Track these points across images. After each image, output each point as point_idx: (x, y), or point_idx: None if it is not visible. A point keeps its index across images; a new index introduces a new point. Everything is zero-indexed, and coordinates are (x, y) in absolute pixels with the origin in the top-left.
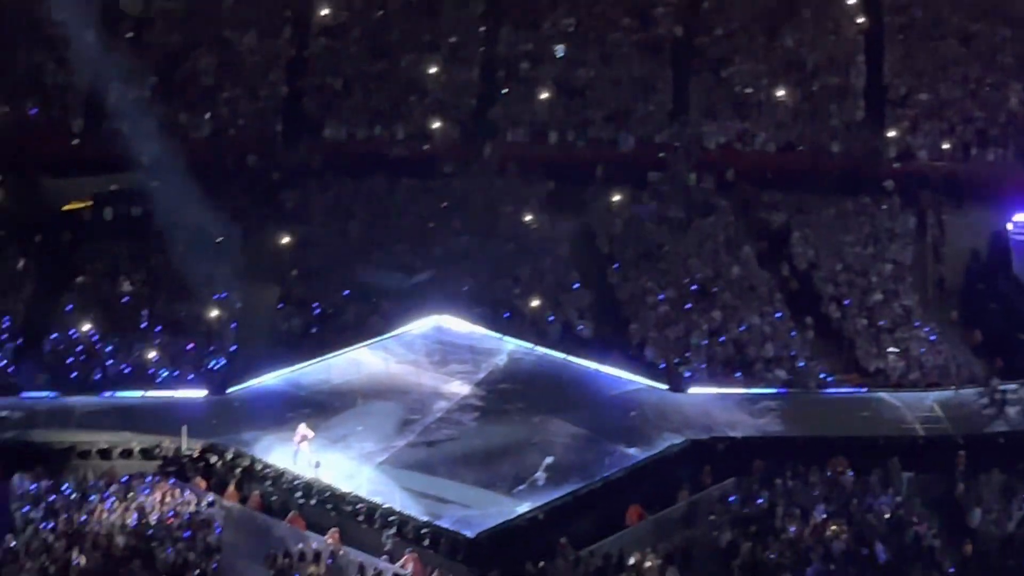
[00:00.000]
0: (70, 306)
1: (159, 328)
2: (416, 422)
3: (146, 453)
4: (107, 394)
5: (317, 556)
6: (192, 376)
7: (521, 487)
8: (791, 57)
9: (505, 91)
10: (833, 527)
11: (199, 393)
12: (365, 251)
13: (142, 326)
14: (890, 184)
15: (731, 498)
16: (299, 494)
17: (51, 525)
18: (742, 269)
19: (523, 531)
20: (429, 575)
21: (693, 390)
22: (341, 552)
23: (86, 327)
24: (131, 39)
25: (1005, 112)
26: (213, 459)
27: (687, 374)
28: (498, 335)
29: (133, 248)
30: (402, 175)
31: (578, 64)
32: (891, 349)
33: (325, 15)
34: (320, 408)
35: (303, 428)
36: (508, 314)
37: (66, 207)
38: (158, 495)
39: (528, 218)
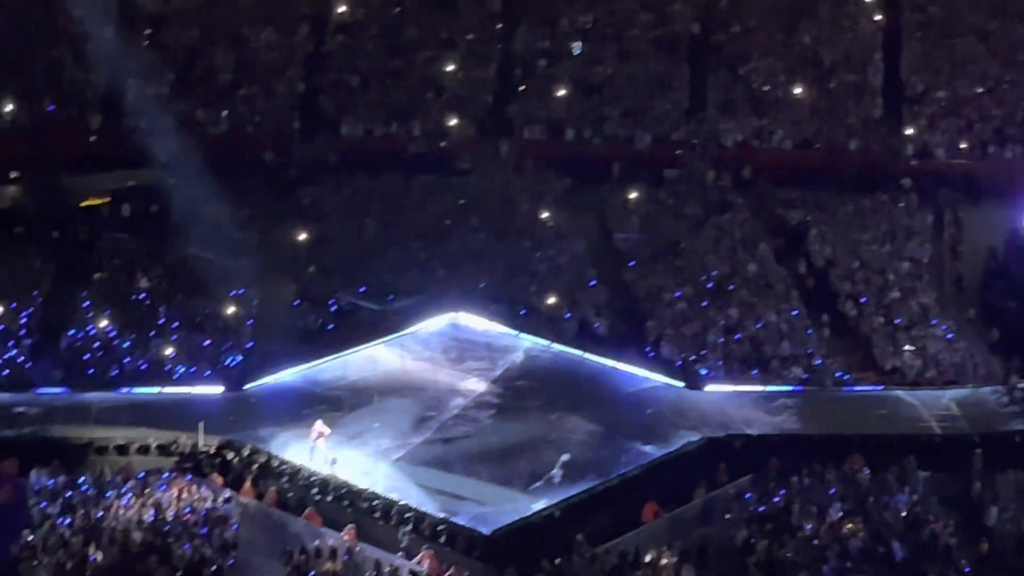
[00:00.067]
0: (87, 302)
1: (176, 324)
2: (432, 419)
3: (163, 449)
4: (124, 390)
5: (333, 553)
6: (209, 372)
7: (537, 484)
8: (808, 54)
9: (522, 88)
10: (849, 525)
11: (216, 389)
12: (382, 248)
13: (159, 322)
14: (907, 182)
15: (747, 496)
16: (315, 491)
17: (68, 521)
18: (759, 266)
19: (539, 528)
20: (445, 572)
21: (709, 388)
22: (357, 549)
23: (103, 323)
24: (149, 36)
25: (1023, 110)
26: (230, 455)
27: (703, 371)
28: (514, 332)
29: (150, 244)
30: (419, 172)
31: (595, 61)
32: (907, 347)
33: (342, 12)
34: (337, 405)
35: (319, 425)
36: (524, 311)
37: (84, 203)
38: (175, 491)
39: (545, 215)
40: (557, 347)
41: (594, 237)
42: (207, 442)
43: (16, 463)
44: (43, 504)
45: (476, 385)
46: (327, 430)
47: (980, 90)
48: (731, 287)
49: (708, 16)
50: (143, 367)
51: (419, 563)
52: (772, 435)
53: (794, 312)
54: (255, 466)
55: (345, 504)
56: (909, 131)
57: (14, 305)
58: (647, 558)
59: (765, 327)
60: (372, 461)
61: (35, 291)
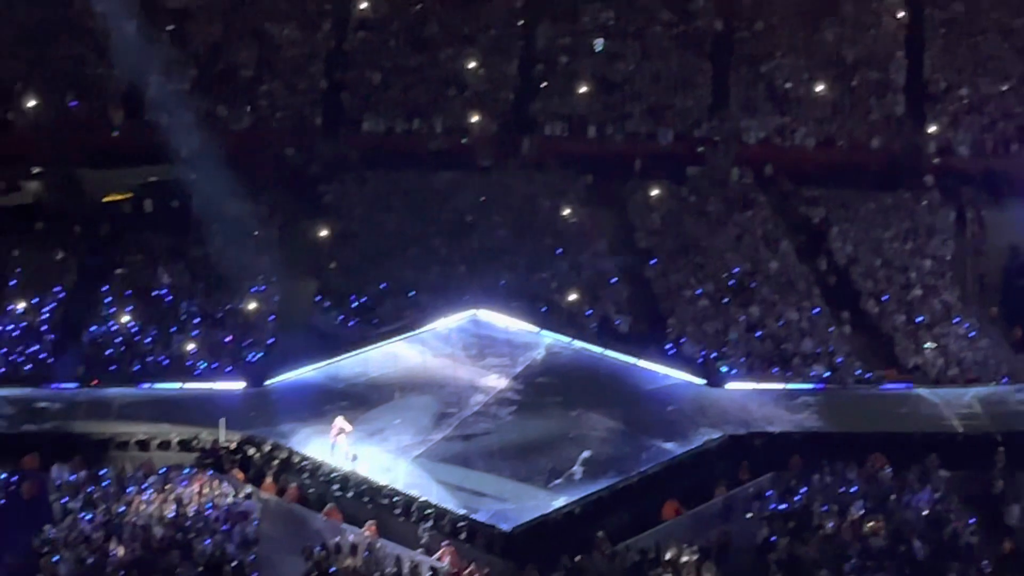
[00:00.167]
0: (109, 298)
1: (197, 320)
2: (453, 416)
3: (184, 445)
4: (145, 386)
5: (354, 549)
6: (230, 368)
7: (558, 481)
8: (831, 52)
9: (544, 85)
10: (871, 524)
11: (237, 385)
12: (403, 244)
13: (181, 318)
14: (930, 179)
15: (768, 494)
16: (336, 487)
17: (89, 516)
18: (780, 264)
19: (559, 525)
20: (465, 568)
21: (731, 385)
22: (378, 545)
23: (125, 319)
24: (171, 32)
25: None
26: (251, 451)
27: (725, 369)
28: (535, 329)
29: (172, 240)
30: (440, 169)
31: (617, 58)
32: (927, 344)
33: (364, 8)
34: (357, 401)
35: (340, 421)
36: (545, 308)
37: (106, 199)
38: (196, 487)
39: (566, 212)
40: (578, 344)
41: (616, 234)
42: (228, 438)
43: (38, 458)
44: (64, 499)
45: (497, 382)
46: (348, 427)
47: (1003, 88)
48: (753, 284)
49: (731, 13)
50: (164, 363)
51: (439, 559)
52: (793, 433)
53: (816, 310)
54: (276, 462)
55: (366, 500)
56: (932, 129)
57: (36, 300)
58: (667, 556)
59: (787, 325)
60: (393, 457)
61: (57, 287)
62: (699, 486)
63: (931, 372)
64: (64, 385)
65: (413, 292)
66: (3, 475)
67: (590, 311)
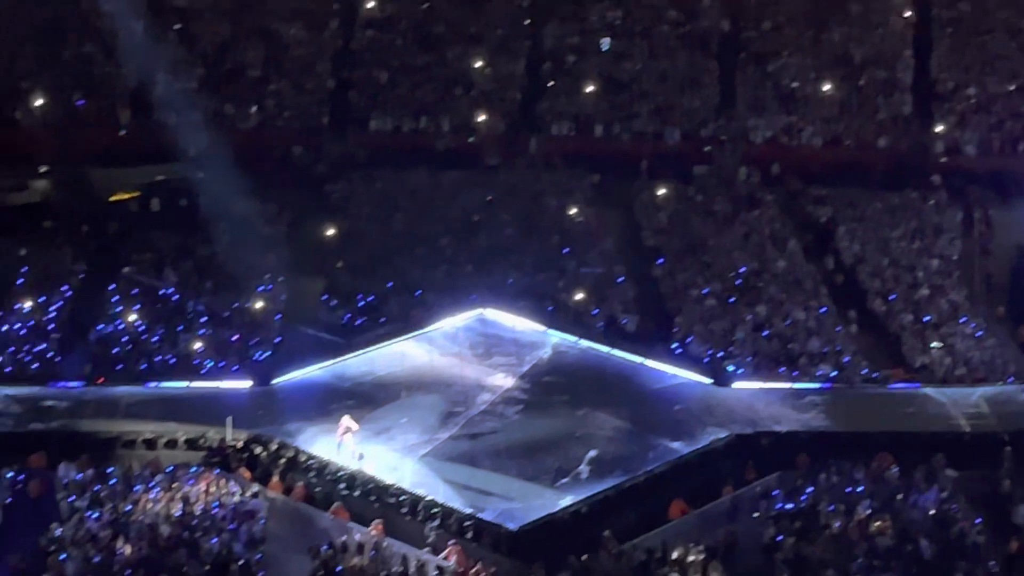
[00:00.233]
0: (116, 297)
1: (204, 319)
2: (460, 415)
3: (191, 443)
4: (152, 384)
5: (361, 548)
6: (237, 367)
7: (564, 480)
8: (838, 51)
9: (551, 84)
10: (877, 523)
11: (244, 384)
12: (410, 243)
13: (187, 317)
14: (937, 179)
15: (775, 493)
16: (343, 485)
17: (96, 514)
18: (788, 263)
19: (566, 524)
20: (472, 567)
21: (737, 384)
22: (384, 544)
23: (132, 317)
24: (178, 31)
25: None
26: (258, 450)
27: (732, 368)
28: (542, 328)
29: (179, 239)
30: (447, 168)
31: (624, 57)
32: (934, 344)
33: (372, 7)
34: (364, 400)
35: (347, 420)
36: (552, 307)
37: (113, 198)
38: (203, 485)
39: (573, 211)
40: (585, 343)
41: (622, 233)
42: (235, 436)
43: (45, 457)
44: (71, 498)
45: (504, 381)
46: (355, 426)
47: (1011, 87)
48: (760, 284)
49: (738, 12)
50: (171, 361)
51: (446, 558)
52: (800, 432)
53: (823, 309)
54: (283, 461)
55: (372, 499)
56: (939, 128)
57: (43, 299)
58: (674, 555)
59: (793, 324)
60: (399, 456)
61: (64, 285)
62: (706, 485)
63: (938, 372)
64: (71, 384)
65: (420, 291)
66: (10, 474)
67: (597, 310)
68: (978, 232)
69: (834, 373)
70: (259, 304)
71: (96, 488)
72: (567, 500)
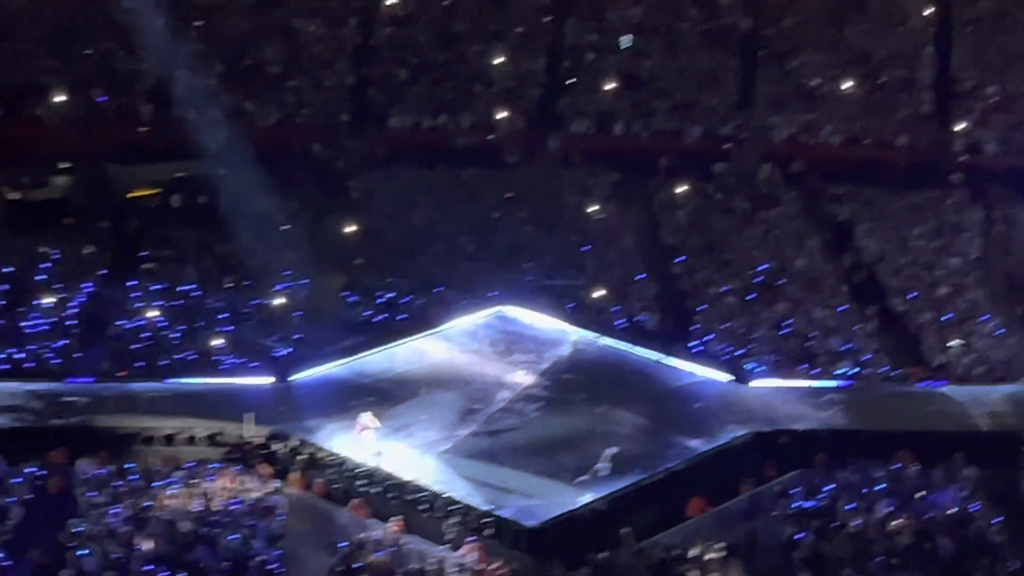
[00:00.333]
0: (136, 293)
1: (224, 315)
2: (479, 411)
3: (210, 440)
4: (172, 381)
5: (379, 544)
6: (256, 363)
7: (584, 478)
8: (858, 49)
9: (571, 81)
10: (897, 522)
11: (263, 380)
12: (429, 241)
13: (207, 313)
14: (957, 178)
15: (794, 491)
16: (362, 482)
17: (116, 511)
18: (807, 261)
19: (585, 522)
20: (491, 565)
21: (756, 382)
22: (403, 541)
23: (152, 314)
24: (199, 27)
25: None
26: (277, 446)
27: (751, 366)
28: (562, 325)
29: (199, 236)
30: (467, 165)
31: (644, 55)
32: (952, 342)
33: (392, 4)
34: (384, 396)
35: (366, 418)
36: (572, 305)
37: (133, 194)
38: (222, 482)
39: (592, 209)
40: (604, 340)
41: (642, 231)
42: (254, 433)
43: (64, 452)
44: (91, 493)
45: (523, 378)
46: (376, 423)
47: None
48: (779, 282)
49: (758, 10)
50: (191, 358)
51: (465, 555)
52: (819, 430)
53: (842, 308)
54: (302, 457)
55: (391, 496)
56: (959, 127)
57: (64, 295)
58: (693, 553)
59: (813, 322)
60: (419, 453)
61: (84, 281)
62: (725, 483)
63: (958, 370)
64: (90, 380)
65: (440, 288)
66: (30, 469)
67: (617, 308)
68: (998, 231)
69: (853, 371)
70: (279, 301)
71: (115, 484)
72: (586, 497)
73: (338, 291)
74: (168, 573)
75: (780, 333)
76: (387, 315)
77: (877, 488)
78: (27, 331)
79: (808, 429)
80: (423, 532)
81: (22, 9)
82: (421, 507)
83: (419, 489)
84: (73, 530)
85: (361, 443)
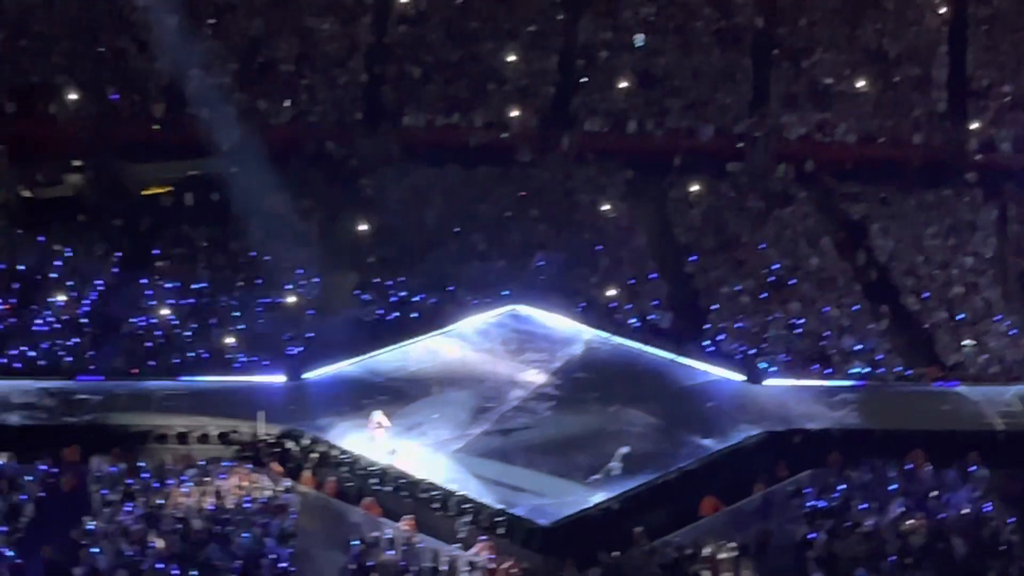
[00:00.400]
0: (149, 291)
1: (237, 314)
2: (492, 410)
3: (223, 438)
4: (184, 378)
5: (392, 543)
6: (269, 362)
7: (596, 477)
8: (873, 48)
9: (584, 80)
10: (910, 522)
11: (276, 379)
12: (442, 239)
13: (220, 311)
14: (972, 176)
15: (807, 491)
16: (375, 480)
17: (128, 508)
18: (821, 260)
19: (598, 521)
20: (503, 563)
21: (770, 382)
22: (416, 539)
23: (165, 312)
24: (212, 26)
25: None
26: (289, 444)
27: (764, 365)
28: (575, 324)
29: (212, 234)
30: (480, 163)
31: (658, 53)
32: (966, 342)
33: (405, 3)
34: (396, 395)
35: (378, 417)
36: (585, 303)
37: (146, 192)
38: (235, 480)
39: (606, 207)
40: (617, 339)
41: (655, 230)
42: (267, 431)
43: (78, 450)
44: (104, 491)
45: (536, 377)
46: (387, 423)
47: None
48: (793, 281)
49: (772, 9)
50: (204, 356)
51: (477, 554)
52: (833, 430)
53: (856, 307)
54: (315, 456)
55: (404, 494)
56: (974, 125)
57: (76, 293)
58: (706, 552)
59: (826, 321)
60: (431, 452)
61: (97, 279)
62: (737, 483)
63: (972, 369)
64: (103, 377)
65: (452, 287)
66: (43, 467)
67: (629, 306)
68: (1013, 230)
69: (867, 371)
70: (292, 299)
71: (128, 482)
72: (599, 497)
73: (351, 289)
74: (180, 571)
75: (794, 332)
76: (399, 314)
77: (890, 488)
78: (40, 329)
79: (821, 429)
80: (435, 531)
81: (36, 8)
82: (433, 506)
83: (431, 488)
84: (86, 528)
85: (374, 441)
